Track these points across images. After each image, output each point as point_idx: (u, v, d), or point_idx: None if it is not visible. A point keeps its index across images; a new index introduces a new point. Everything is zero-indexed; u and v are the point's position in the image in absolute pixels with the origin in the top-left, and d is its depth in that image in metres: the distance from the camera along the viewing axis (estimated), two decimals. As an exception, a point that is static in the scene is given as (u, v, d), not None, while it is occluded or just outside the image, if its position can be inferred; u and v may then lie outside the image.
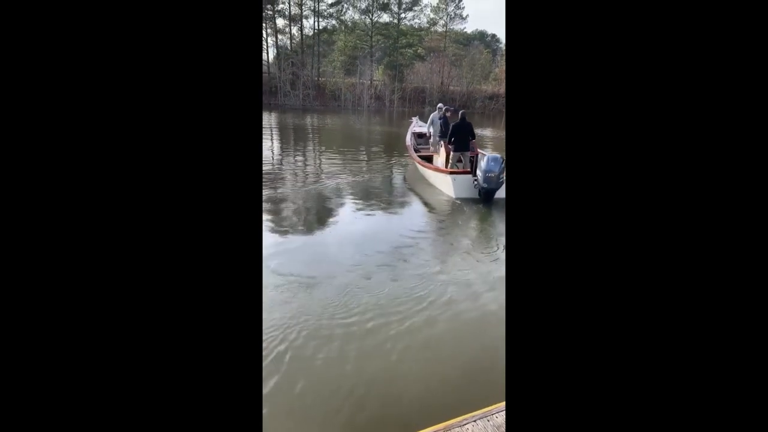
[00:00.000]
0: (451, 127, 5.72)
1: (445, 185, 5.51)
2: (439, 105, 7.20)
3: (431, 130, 7.07)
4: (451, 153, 5.77)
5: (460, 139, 5.63)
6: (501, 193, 5.05)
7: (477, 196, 5.18)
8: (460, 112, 5.90)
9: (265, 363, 2.14)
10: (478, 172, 5.04)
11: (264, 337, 2.35)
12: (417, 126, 8.70)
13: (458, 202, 5.22)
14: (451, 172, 5.42)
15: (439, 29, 28.32)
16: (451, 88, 24.88)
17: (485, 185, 4.97)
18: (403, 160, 8.28)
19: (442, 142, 6.26)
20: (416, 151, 7.35)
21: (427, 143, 7.53)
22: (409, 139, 7.90)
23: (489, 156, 5.08)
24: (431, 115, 7.19)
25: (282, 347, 2.31)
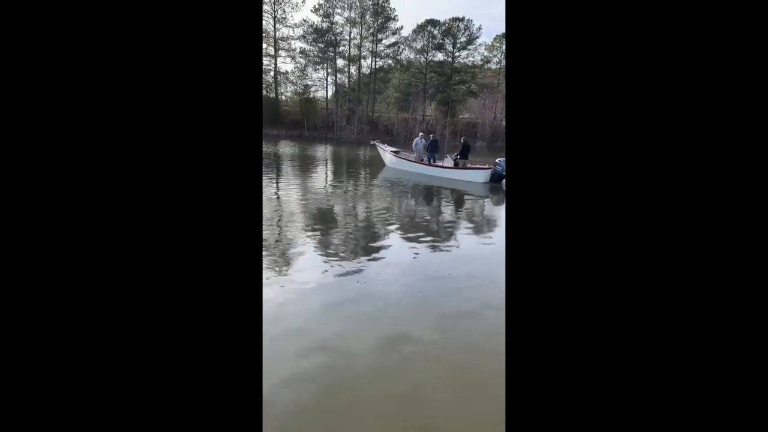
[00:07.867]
0: (461, 146, 10.37)
1: (473, 175, 9.73)
2: (421, 133, 11.98)
3: (415, 148, 11.02)
4: (459, 160, 10.25)
5: (464, 153, 10.28)
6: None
7: (489, 180, 9.50)
8: (463, 138, 10.91)
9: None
10: (498, 167, 9.63)
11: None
12: (386, 147, 11.94)
13: (480, 182, 9.49)
14: (484, 168, 9.72)
15: (493, 66, 28.71)
16: (504, 123, 24.66)
17: (502, 172, 9.49)
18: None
19: (447, 155, 10.68)
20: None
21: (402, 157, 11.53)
22: (390, 155, 11.46)
23: (503, 159, 9.28)
24: (415, 139, 11.19)
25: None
